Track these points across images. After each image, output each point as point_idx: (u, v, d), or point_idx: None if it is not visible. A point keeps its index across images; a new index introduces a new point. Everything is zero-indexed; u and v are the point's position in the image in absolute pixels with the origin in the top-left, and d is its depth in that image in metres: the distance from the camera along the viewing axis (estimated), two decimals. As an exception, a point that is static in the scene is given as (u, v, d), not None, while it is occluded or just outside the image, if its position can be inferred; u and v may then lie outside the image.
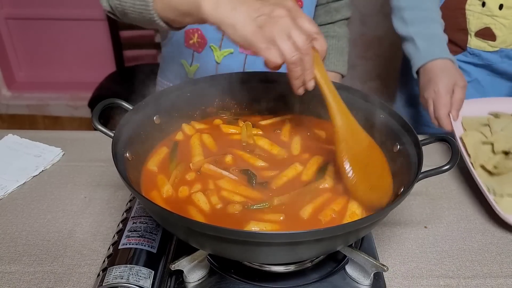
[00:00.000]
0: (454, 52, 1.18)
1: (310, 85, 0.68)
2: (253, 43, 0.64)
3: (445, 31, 1.17)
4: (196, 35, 1.09)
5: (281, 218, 0.65)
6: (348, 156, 0.68)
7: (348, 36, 1.28)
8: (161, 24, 0.79)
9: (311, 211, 0.66)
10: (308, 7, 1.15)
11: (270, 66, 0.66)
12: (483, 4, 1.10)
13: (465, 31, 1.16)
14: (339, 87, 0.86)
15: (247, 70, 1.11)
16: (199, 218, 0.65)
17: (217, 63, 1.11)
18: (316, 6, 1.22)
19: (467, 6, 1.13)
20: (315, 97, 0.89)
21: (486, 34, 1.14)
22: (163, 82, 1.26)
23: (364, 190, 0.68)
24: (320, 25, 1.25)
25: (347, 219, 0.65)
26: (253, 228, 0.62)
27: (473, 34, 1.15)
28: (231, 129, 0.86)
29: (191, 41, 1.10)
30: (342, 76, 1.27)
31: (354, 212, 0.66)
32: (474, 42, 1.16)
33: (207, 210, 0.66)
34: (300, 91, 0.69)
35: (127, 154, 0.70)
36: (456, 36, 1.18)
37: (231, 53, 1.09)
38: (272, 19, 0.64)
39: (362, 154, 0.71)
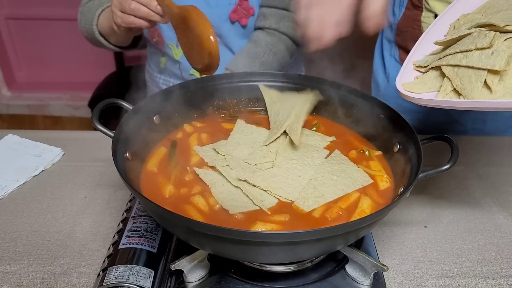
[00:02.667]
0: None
1: (158, 9, 0.86)
2: (117, 24, 0.92)
3: (405, 42, 1.18)
4: (156, 33, 1.16)
5: (286, 218, 0.65)
6: (182, 40, 0.86)
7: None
8: (104, 42, 1.10)
9: (318, 209, 0.67)
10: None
11: (135, 27, 0.91)
12: (436, 17, 1.09)
13: None
14: (339, 87, 0.87)
15: None
16: (199, 218, 0.65)
17: (177, 60, 1.17)
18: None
19: (422, 19, 1.13)
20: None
21: None
22: (148, 69, 1.35)
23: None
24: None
25: (355, 217, 0.65)
26: (259, 229, 0.62)
27: None
28: (231, 127, 0.86)
29: (154, 39, 1.17)
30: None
31: (364, 210, 0.66)
32: None
33: (206, 211, 0.66)
34: (162, 20, 0.88)
35: (127, 154, 0.70)
36: None
37: None
38: None
39: (186, 30, 0.83)
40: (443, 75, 0.67)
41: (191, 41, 0.82)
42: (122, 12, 0.89)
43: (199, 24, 0.79)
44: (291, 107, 0.84)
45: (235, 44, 1.19)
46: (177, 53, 1.18)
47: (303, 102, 0.84)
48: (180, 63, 1.19)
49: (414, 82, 0.70)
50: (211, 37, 0.78)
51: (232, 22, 1.14)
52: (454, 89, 0.64)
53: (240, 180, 0.70)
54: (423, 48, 0.75)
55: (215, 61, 0.80)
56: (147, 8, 0.86)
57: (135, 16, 0.88)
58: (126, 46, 1.16)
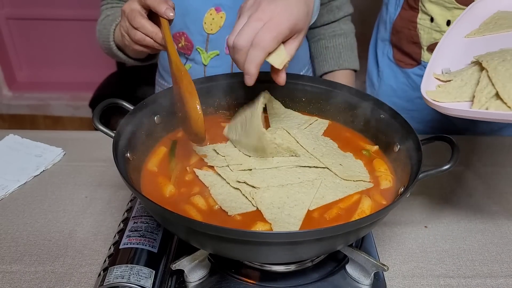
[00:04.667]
0: (410, 65, 1.19)
1: (163, 42, 0.81)
2: (125, 46, 0.93)
3: (400, 41, 1.18)
4: (183, 38, 1.11)
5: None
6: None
7: (354, 31, 1.29)
8: (123, 57, 1.06)
9: (318, 209, 0.67)
10: None
11: (144, 51, 0.86)
12: (432, 20, 1.09)
13: (418, 44, 1.15)
14: (339, 87, 0.87)
15: (235, 71, 1.11)
16: (199, 218, 0.65)
17: (204, 65, 1.13)
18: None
19: (418, 20, 1.13)
20: (315, 95, 0.90)
21: None
22: (162, 82, 1.27)
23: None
24: (324, 24, 1.26)
25: (355, 218, 0.65)
26: (260, 229, 0.62)
27: (425, 48, 1.14)
28: None
29: (179, 44, 1.13)
30: (355, 71, 1.27)
31: (364, 211, 0.67)
32: (426, 56, 1.15)
33: (206, 211, 0.66)
34: (164, 49, 0.82)
35: (128, 154, 0.70)
36: (411, 49, 1.17)
37: (217, 55, 1.09)
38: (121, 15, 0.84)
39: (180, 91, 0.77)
40: (469, 83, 0.67)
41: (182, 105, 0.76)
42: (128, 35, 0.86)
43: (188, 97, 0.73)
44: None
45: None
46: (206, 57, 1.13)
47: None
48: (206, 67, 1.14)
49: (438, 91, 0.70)
50: (198, 118, 0.71)
51: None
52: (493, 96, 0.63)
53: (239, 182, 0.70)
54: (442, 56, 0.75)
55: (201, 138, 0.74)
56: (153, 39, 0.82)
57: (140, 45, 0.85)
58: (144, 58, 1.12)
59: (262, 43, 0.64)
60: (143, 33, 0.80)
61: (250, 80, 0.67)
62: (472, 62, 0.71)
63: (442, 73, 0.73)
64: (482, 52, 0.71)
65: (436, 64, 0.74)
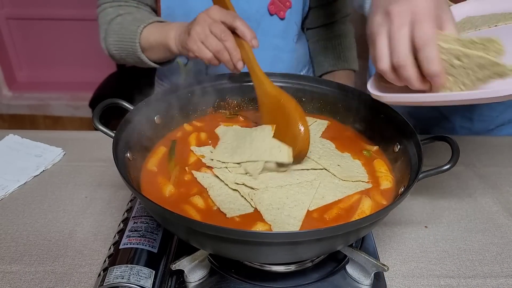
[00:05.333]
0: None
1: (239, 65, 0.82)
2: (188, 49, 0.86)
3: None
4: None
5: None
6: (268, 117, 0.80)
7: (353, 31, 1.29)
8: (145, 59, 1.03)
9: (318, 209, 0.67)
10: (296, 7, 1.15)
11: (205, 61, 0.84)
12: None
13: None
14: (340, 87, 0.87)
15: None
16: (198, 219, 0.65)
17: (206, 64, 1.12)
18: (316, 7, 1.23)
19: None
20: (315, 96, 0.90)
21: None
22: (161, 82, 1.27)
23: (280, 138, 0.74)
24: (324, 25, 1.26)
25: (355, 218, 0.65)
26: (259, 229, 0.62)
27: None
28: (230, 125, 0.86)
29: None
30: (354, 71, 1.28)
31: (364, 211, 0.66)
32: None
33: (206, 211, 0.66)
34: (236, 71, 0.83)
35: (128, 154, 0.71)
36: None
37: None
38: (195, 22, 0.84)
39: (277, 111, 0.77)
40: None
41: (281, 126, 0.76)
42: (201, 42, 0.84)
43: (294, 120, 0.73)
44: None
45: (277, 40, 1.16)
46: None
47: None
48: (208, 66, 1.14)
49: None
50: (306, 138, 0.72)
51: (271, 15, 1.12)
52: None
53: (237, 183, 0.70)
54: None
55: (304, 153, 0.74)
56: (229, 56, 0.82)
57: (212, 53, 0.83)
58: (162, 62, 1.09)
59: (425, 38, 0.57)
60: (225, 46, 0.81)
61: (441, 79, 0.59)
62: None
63: None
64: None
65: None
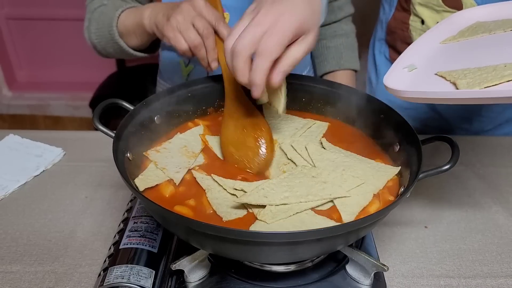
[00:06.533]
0: None
1: (214, 65, 0.81)
2: (163, 34, 0.82)
3: (395, 42, 1.18)
4: None
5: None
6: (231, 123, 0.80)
7: (355, 31, 1.29)
8: (123, 45, 1.00)
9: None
10: None
11: (179, 52, 0.81)
12: (422, 22, 1.10)
13: None
14: (340, 87, 0.87)
15: None
16: (198, 219, 0.64)
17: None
18: None
19: (410, 22, 1.13)
20: (315, 96, 0.90)
21: None
22: (162, 83, 1.27)
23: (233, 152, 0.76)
24: (325, 24, 1.26)
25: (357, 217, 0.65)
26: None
27: None
28: None
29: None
30: (356, 71, 1.27)
31: (368, 212, 0.66)
32: None
33: (205, 211, 0.66)
34: (209, 69, 0.82)
35: (128, 154, 0.70)
36: (404, 49, 1.17)
37: None
38: (178, 9, 0.80)
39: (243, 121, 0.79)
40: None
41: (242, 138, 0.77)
42: (179, 32, 0.80)
43: (267, 137, 0.76)
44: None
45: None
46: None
47: None
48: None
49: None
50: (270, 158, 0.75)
51: None
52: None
53: (236, 189, 0.68)
54: (412, 54, 0.76)
55: (259, 172, 0.75)
56: (206, 52, 0.80)
57: (188, 45, 0.79)
58: (144, 50, 1.07)
59: (266, 50, 0.60)
60: (203, 43, 0.79)
61: (257, 92, 0.63)
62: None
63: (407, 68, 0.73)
64: (451, 59, 0.72)
65: (404, 60, 0.75)
